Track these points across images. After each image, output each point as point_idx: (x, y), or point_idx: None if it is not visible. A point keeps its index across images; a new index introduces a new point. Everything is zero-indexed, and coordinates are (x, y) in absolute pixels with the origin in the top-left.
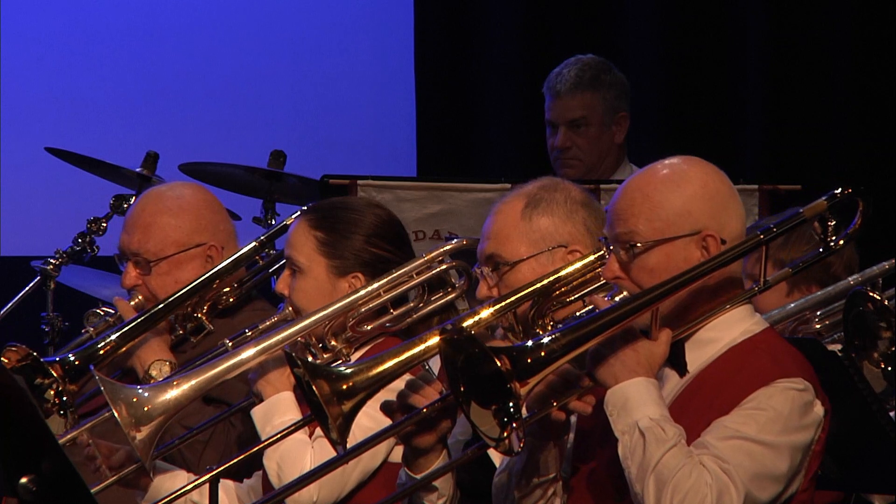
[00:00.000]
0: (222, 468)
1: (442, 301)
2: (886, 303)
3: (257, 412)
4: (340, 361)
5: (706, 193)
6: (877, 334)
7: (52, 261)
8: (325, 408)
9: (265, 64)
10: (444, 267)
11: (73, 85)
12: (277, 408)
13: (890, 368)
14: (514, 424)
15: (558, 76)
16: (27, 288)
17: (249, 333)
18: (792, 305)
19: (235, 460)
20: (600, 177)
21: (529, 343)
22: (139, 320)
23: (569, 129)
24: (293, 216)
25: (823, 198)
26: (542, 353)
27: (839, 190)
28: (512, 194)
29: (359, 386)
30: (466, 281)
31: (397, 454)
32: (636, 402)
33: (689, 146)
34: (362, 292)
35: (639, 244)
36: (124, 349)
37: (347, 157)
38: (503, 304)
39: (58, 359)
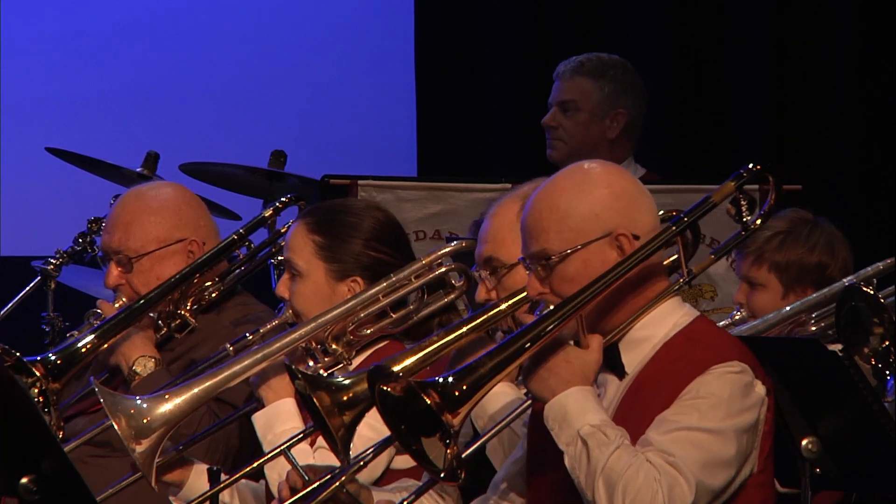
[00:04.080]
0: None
1: (442, 302)
2: (881, 298)
3: (259, 418)
4: (342, 365)
5: (612, 193)
6: (869, 330)
7: (52, 261)
8: (326, 420)
9: (265, 64)
10: (443, 269)
11: (73, 85)
12: (279, 416)
13: (880, 365)
14: (449, 452)
15: (566, 62)
16: (27, 288)
17: (251, 337)
18: (787, 309)
19: (241, 474)
20: None
21: (451, 378)
22: (119, 317)
23: (559, 109)
24: (269, 210)
25: (730, 179)
26: (469, 383)
27: (744, 169)
28: (507, 197)
29: (359, 396)
30: (466, 282)
31: (398, 462)
32: (575, 412)
33: (689, 146)
34: (363, 296)
35: (553, 257)
36: (106, 346)
37: (348, 157)
38: (516, 299)
39: (39, 358)
